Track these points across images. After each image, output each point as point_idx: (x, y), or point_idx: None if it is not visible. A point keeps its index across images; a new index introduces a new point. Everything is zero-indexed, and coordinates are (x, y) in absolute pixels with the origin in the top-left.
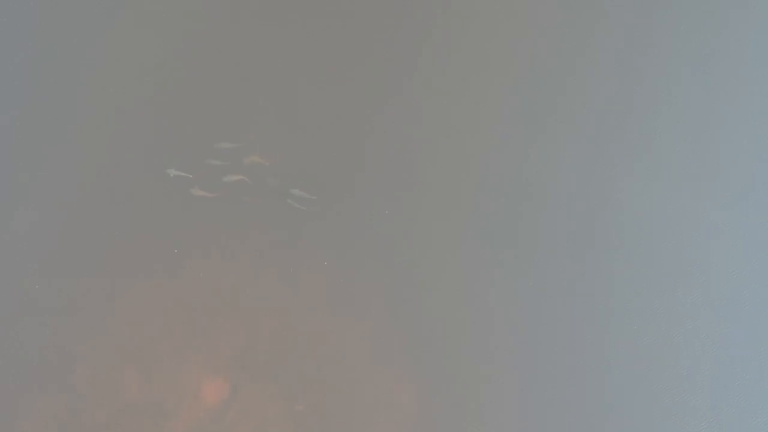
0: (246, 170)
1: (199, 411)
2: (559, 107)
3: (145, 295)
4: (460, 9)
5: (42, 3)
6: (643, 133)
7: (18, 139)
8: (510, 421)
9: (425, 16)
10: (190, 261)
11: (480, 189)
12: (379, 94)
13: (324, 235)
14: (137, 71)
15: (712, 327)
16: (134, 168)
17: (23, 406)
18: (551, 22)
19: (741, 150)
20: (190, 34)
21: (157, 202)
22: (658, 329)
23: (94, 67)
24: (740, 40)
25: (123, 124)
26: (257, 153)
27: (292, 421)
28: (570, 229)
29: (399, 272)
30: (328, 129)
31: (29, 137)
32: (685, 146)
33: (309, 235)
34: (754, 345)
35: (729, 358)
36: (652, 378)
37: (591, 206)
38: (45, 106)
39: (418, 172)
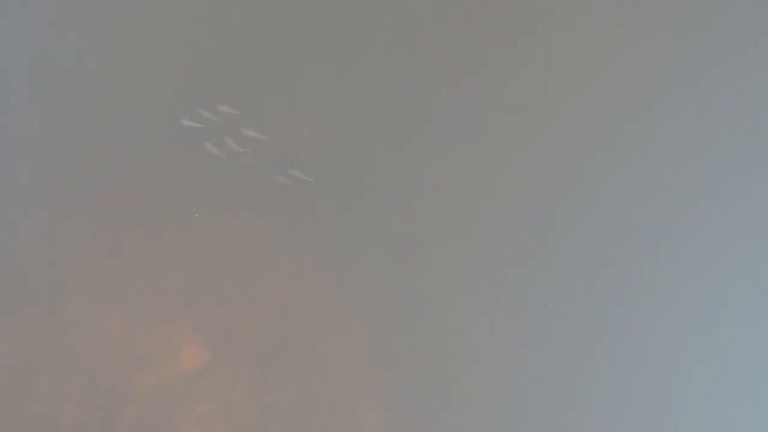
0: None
1: (172, 373)
2: (563, 108)
3: (148, 249)
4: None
5: None
6: (648, 133)
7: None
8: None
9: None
10: (199, 228)
11: (485, 190)
12: (383, 94)
13: (331, 233)
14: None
15: (713, 326)
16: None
17: (6, 324)
18: (571, 24)
19: (746, 153)
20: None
21: (171, 160)
22: (660, 331)
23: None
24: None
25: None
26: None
27: (257, 409)
28: (573, 238)
29: (400, 279)
30: (334, 125)
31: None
32: (687, 145)
33: (316, 232)
34: (757, 344)
35: (730, 357)
36: (653, 381)
37: (594, 209)
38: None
39: (420, 174)
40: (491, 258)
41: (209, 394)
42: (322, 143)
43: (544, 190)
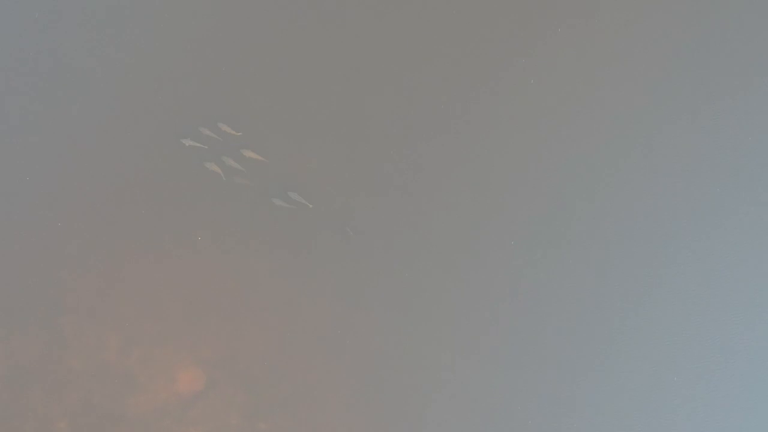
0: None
1: (167, 396)
2: (565, 107)
3: (150, 271)
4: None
5: None
6: (651, 132)
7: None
8: None
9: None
10: (200, 251)
11: (482, 222)
12: (386, 119)
13: (329, 262)
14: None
15: (713, 325)
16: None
17: (4, 336)
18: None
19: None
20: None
21: (174, 181)
22: (660, 332)
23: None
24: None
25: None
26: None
27: None
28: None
29: (396, 311)
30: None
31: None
32: (688, 147)
33: (315, 260)
34: (756, 343)
35: (730, 355)
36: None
37: (597, 209)
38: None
39: (420, 203)
40: (486, 291)
41: (203, 419)
42: (323, 168)
43: (552, 192)
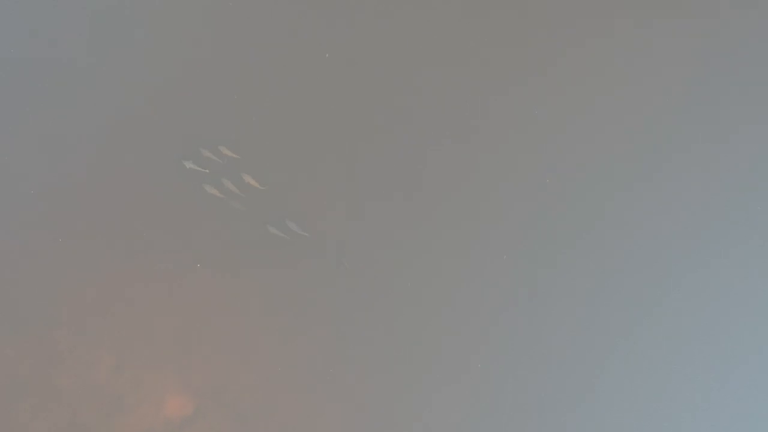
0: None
1: (154, 420)
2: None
3: (147, 295)
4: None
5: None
6: (647, 135)
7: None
8: None
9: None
10: (198, 279)
11: (479, 251)
12: (386, 150)
13: (324, 293)
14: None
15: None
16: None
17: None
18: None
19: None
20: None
21: (176, 206)
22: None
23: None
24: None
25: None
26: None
27: None
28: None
29: (392, 342)
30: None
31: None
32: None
33: (311, 292)
34: (754, 343)
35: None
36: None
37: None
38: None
39: (417, 233)
40: (485, 328)
41: None
42: (322, 199)
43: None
